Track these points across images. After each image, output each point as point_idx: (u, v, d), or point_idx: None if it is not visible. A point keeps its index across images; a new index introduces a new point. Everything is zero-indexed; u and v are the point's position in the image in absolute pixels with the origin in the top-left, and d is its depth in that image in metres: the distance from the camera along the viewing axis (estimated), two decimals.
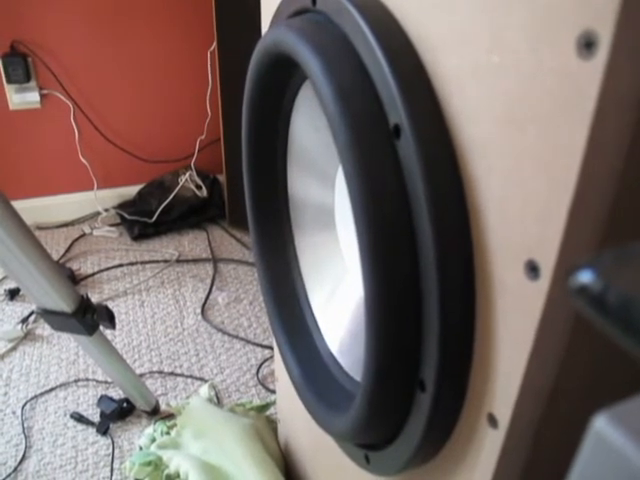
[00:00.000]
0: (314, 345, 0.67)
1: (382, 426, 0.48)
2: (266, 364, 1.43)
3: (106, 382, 1.35)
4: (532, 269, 0.33)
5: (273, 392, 1.34)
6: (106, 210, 1.97)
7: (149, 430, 1.18)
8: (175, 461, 1.05)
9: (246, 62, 1.83)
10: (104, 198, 1.98)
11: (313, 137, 0.69)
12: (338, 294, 0.69)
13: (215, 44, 1.68)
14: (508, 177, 0.35)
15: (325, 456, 0.86)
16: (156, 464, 1.05)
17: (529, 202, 0.33)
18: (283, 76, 0.63)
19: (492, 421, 0.40)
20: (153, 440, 1.14)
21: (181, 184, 1.94)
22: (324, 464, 0.89)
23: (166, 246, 1.86)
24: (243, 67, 1.73)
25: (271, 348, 1.47)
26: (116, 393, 1.31)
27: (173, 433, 1.14)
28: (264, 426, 1.15)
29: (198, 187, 1.97)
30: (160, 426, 1.17)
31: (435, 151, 0.38)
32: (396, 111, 0.39)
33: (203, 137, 1.97)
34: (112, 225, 1.94)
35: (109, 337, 1.48)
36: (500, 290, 0.37)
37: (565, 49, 0.29)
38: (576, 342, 0.35)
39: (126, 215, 1.91)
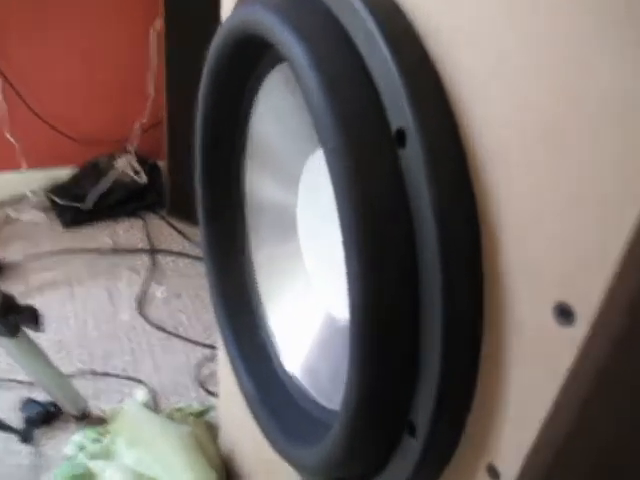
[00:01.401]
0: (271, 364, 0.61)
1: (357, 467, 0.42)
2: (206, 365, 1.35)
3: (30, 383, 1.24)
4: (563, 313, 0.28)
5: (213, 395, 1.27)
6: (34, 193, 1.83)
7: (78, 437, 1.08)
8: (106, 473, 0.97)
9: (196, 40, 1.73)
10: (32, 180, 1.84)
11: (277, 133, 0.62)
12: (299, 310, 0.63)
13: (161, 19, 1.58)
14: (537, 204, 0.29)
15: (276, 470, 0.80)
16: (85, 477, 0.97)
17: (565, 237, 0.28)
18: (249, 62, 0.56)
19: (492, 473, 0.35)
20: (82, 448, 1.05)
21: (118, 169, 1.83)
22: (271, 472, 0.83)
23: (100, 234, 1.75)
24: (192, 45, 1.63)
25: (212, 347, 1.39)
26: (41, 395, 1.21)
27: (105, 441, 1.06)
28: (203, 433, 1.08)
29: (136, 172, 1.86)
30: (90, 433, 1.09)
31: (447, 164, 0.32)
32: (401, 113, 0.33)
33: (144, 120, 1.86)
34: (41, 209, 1.80)
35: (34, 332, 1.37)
36: (516, 331, 0.32)
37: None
38: (602, 395, 0.30)
39: (57, 199, 1.78)
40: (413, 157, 0.33)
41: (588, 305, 0.27)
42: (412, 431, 0.37)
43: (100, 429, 1.09)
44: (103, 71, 1.82)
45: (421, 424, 0.36)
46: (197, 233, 1.76)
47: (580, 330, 0.28)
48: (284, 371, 0.60)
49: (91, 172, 1.84)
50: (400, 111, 0.33)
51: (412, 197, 0.33)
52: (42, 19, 1.69)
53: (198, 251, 1.72)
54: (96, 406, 1.21)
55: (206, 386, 1.29)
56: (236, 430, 0.97)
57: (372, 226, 0.33)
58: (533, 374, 0.31)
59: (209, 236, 0.71)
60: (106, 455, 1.03)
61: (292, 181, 0.63)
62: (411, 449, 0.37)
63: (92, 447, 1.04)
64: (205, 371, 1.34)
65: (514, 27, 0.29)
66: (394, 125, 0.34)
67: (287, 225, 0.67)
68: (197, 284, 1.61)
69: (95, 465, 0.99)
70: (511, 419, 0.33)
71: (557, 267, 0.29)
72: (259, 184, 0.68)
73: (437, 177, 0.32)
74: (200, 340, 1.41)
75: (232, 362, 0.64)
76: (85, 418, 1.17)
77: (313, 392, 0.56)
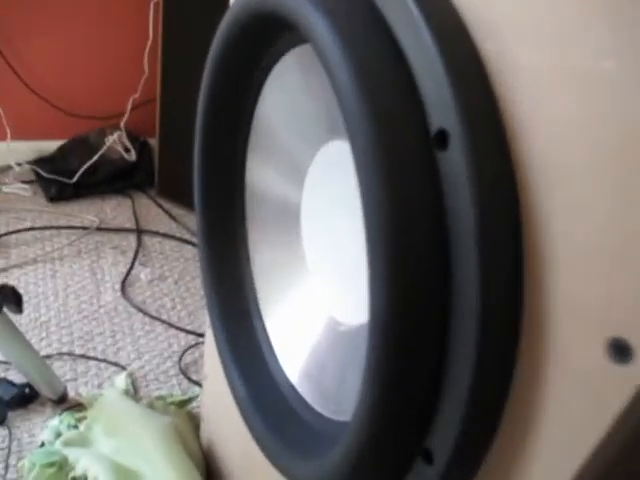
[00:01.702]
0: (267, 369, 0.58)
1: None
2: (190, 351, 1.32)
3: (5, 363, 1.20)
4: (619, 350, 0.25)
5: (196, 383, 1.23)
6: (19, 165, 1.78)
7: (54, 422, 1.05)
8: (83, 462, 0.93)
9: (195, 17, 1.69)
10: (18, 151, 1.79)
11: (285, 122, 0.59)
12: (299, 313, 0.59)
13: None
14: (597, 227, 0.26)
15: (261, 467, 0.77)
16: (60, 465, 0.93)
17: (628, 267, 0.25)
18: (262, 44, 0.52)
19: None
20: (58, 434, 1.01)
21: (108, 144, 1.78)
22: (258, 475, 0.80)
23: (86, 211, 1.70)
24: (190, 22, 1.60)
25: (196, 334, 1.36)
26: (17, 376, 1.17)
27: (82, 427, 1.02)
28: (185, 424, 1.05)
29: (126, 150, 1.81)
30: (67, 418, 1.05)
31: (493, 172, 0.29)
32: (444, 112, 0.30)
33: (137, 96, 1.81)
34: (25, 182, 1.75)
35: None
36: (559, 363, 0.29)
37: None
38: None
39: (42, 172, 1.73)
40: (456, 161, 0.29)
41: None
42: (428, 458, 0.34)
43: (77, 415, 1.05)
44: (99, 44, 1.77)
45: (439, 452, 0.33)
46: (186, 215, 1.75)
47: (637, 368, 0.25)
48: (282, 378, 0.57)
49: (79, 146, 1.79)
50: (444, 110, 0.30)
51: (450, 206, 0.30)
52: None
53: (186, 233, 1.68)
54: (74, 389, 1.17)
55: (188, 374, 1.26)
56: (219, 423, 0.94)
57: (402, 230, 0.30)
58: (576, 412, 0.28)
59: (205, 228, 0.68)
60: (83, 443, 0.99)
61: (298, 174, 0.60)
62: (425, 476, 0.34)
63: (68, 434, 1.01)
64: (188, 358, 1.30)
65: (586, 23, 0.26)
66: (435, 125, 0.31)
67: (289, 221, 0.63)
68: (183, 268, 1.57)
69: (70, 452, 0.96)
70: (542, 455, 0.31)
71: (614, 299, 0.26)
72: (262, 175, 0.65)
73: (481, 188, 0.29)
74: (183, 326, 1.38)
75: (225, 367, 0.61)
76: (62, 402, 1.13)
77: (313, 401, 0.53)
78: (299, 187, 0.60)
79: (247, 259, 0.66)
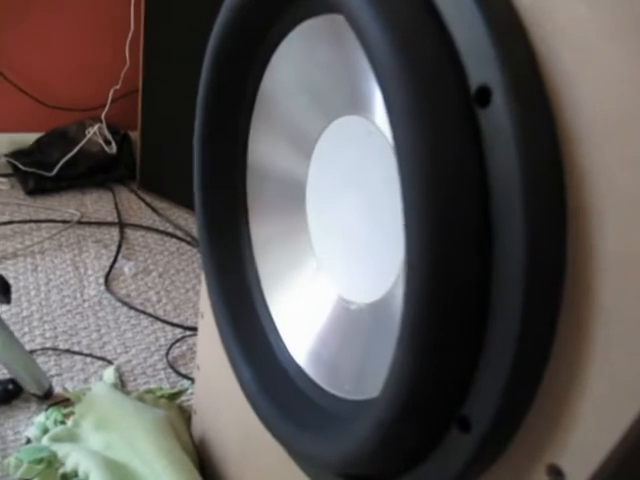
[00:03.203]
0: (272, 352, 0.57)
1: (390, 463, 0.38)
2: (177, 345, 1.30)
3: None
4: None
5: (185, 377, 1.21)
6: None
7: (40, 418, 1.02)
8: (73, 457, 0.90)
9: (177, 7, 1.66)
10: None
11: (294, 98, 0.57)
12: (305, 294, 0.58)
13: None
14: None
15: (261, 450, 0.75)
16: (49, 461, 0.90)
17: None
18: (273, 13, 0.51)
19: (555, 474, 0.32)
20: (45, 431, 0.98)
21: (88, 137, 1.74)
22: (257, 467, 0.79)
23: (66, 204, 1.66)
24: (172, 13, 1.57)
25: (183, 327, 1.34)
26: (0, 372, 1.13)
27: (69, 423, 0.99)
28: (177, 417, 1.03)
29: (107, 142, 1.77)
30: (54, 413, 1.02)
31: (538, 126, 0.28)
32: (485, 67, 0.29)
33: (118, 87, 1.77)
34: (2, 175, 1.70)
35: None
36: (603, 321, 0.28)
37: None
38: None
39: (20, 165, 1.68)
40: (497, 118, 0.28)
41: None
42: (465, 427, 0.33)
43: (64, 410, 1.02)
44: (79, 34, 1.73)
45: (477, 419, 0.32)
46: (168, 208, 1.73)
47: None
48: (289, 361, 0.56)
49: (59, 139, 1.75)
50: (485, 66, 0.29)
51: (493, 167, 0.29)
52: None
53: (169, 226, 1.66)
54: (60, 384, 1.14)
55: (176, 367, 1.24)
56: (214, 413, 0.92)
57: (443, 191, 0.29)
58: (618, 371, 0.27)
59: (205, 211, 0.66)
60: (71, 438, 0.97)
61: (305, 151, 0.58)
62: (461, 446, 0.33)
63: (56, 430, 0.98)
64: (175, 351, 1.28)
65: None
66: (475, 81, 0.30)
67: (293, 199, 0.62)
68: (167, 261, 1.54)
69: (59, 448, 0.93)
70: (583, 418, 0.30)
71: None
72: (265, 153, 0.63)
73: (527, 143, 0.28)
74: (169, 319, 1.35)
75: (229, 354, 0.59)
76: (48, 397, 1.10)
77: (324, 382, 0.52)
78: (305, 164, 0.59)
79: (248, 240, 0.64)
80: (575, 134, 0.28)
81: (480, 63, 0.29)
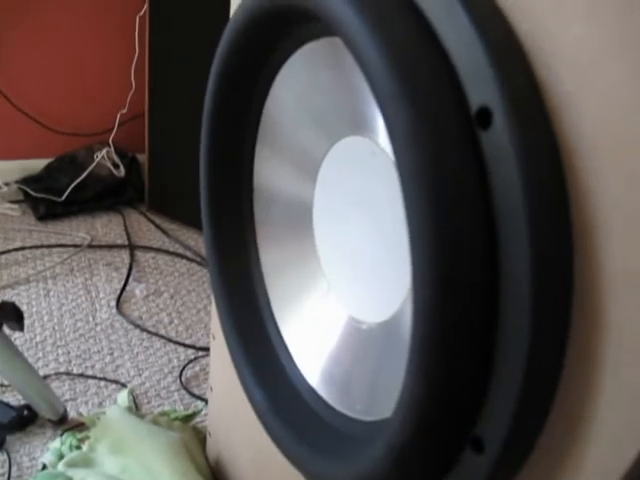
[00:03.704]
0: (284, 372, 0.57)
1: None
2: (190, 366, 1.30)
3: (2, 385, 1.17)
4: None
5: (199, 398, 1.21)
6: (7, 184, 1.75)
7: (56, 444, 1.02)
8: None
9: (181, 30, 1.68)
10: (5, 170, 1.76)
11: (297, 120, 0.58)
12: (315, 315, 0.58)
13: (146, 8, 1.52)
14: None
15: (275, 471, 0.75)
16: None
17: None
18: (274, 38, 0.51)
19: None
20: (61, 456, 0.98)
21: (96, 161, 1.76)
22: (273, 478, 0.78)
23: (76, 229, 1.68)
24: (177, 36, 1.59)
25: (195, 348, 1.34)
26: (14, 398, 1.14)
27: (85, 447, 0.99)
28: (191, 440, 1.02)
29: (115, 166, 1.79)
30: (69, 439, 1.02)
31: (540, 146, 0.28)
32: (485, 89, 0.29)
33: (124, 111, 1.79)
34: (13, 202, 1.72)
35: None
36: (614, 339, 0.28)
37: None
38: None
39: (31, 191, 1.70)
40: (498, 139, 0.29)
41: None
42: (478, 447, 0.33)
43: (79, 435, 1.02)
44: (85, 60, 1.75)
45: (490, 439, 0.32)
46: (178, 229, 1.74)
47: None
48: (301, 381, 0.56)
49: (68, 164, 1.77)
50: (484, 86, 0.29)
51: (496, 188, 0.29)
52: (23, 3, 1.62)
53: (179, 248, 1.67)
54: (74, 409, 1.14)
55: (190, 388, 1.24)
56: (228, 434, 0.92)
57: (447, 215, 0.29)
58: (633, 391, 0.27)
59: (213, 234, 0.66)
60: (86, 463, 0.97)
61: (310, 172, 0.59)
62: (475, 467, 0.33)
63: (71, 455, 0.98)
64: (188, 373, 1.28)
65: None
66: (475, 103, 0.30)
67: (300, 221, 0.62)
68: (178, 282, 1.55)
69: (75, 474, 0.93)
70: (597, 438, 0.30)
71: None
72: (271, 175, 0.64)
73: (529, 165, 0.28)
74: (181, 340, 1.36)
75: (240, 375, 0.59)
76: (63, 422, 1.10)
77: (336, 403, 0.52)
78: (310, 186, 0.59)
79: (257, 262, 0.65)
80: (577, 153, 0.28)
81: (480, 84, 0.29)
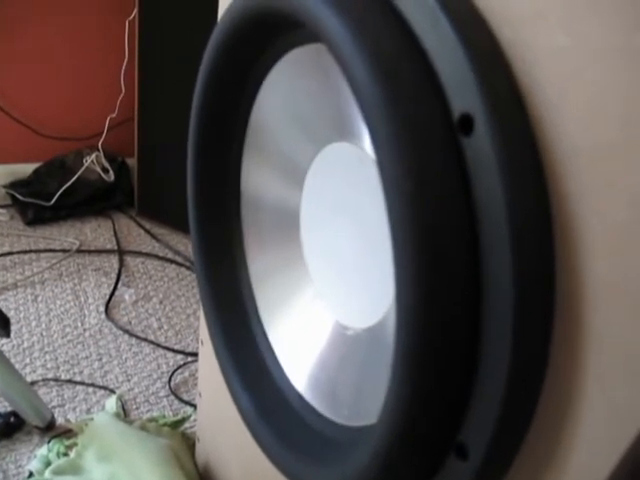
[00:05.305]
0: (271, 378, 0.57)
1: None
2: (179, 371, 1.29)
3: None
4: None
5: (188, 404, 1.21)
6: None
7: (43, 451, 1.01)
8: None
9: (170, 34, 1.68)
10: None
11: (283, 126, 0.58)
12: (302, 321, 0.58)
13: (136, 12, 1.51)
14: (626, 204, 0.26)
15: (264, 477, 0.75)
16: None
17: None
18: (260, 44, 0.51)
19: None
20: (48, 464, 0.97)
21: (85, 165, 1.75)
22: None
23: (65, 234, 1.67)
24: (166, 40, 1.59)
25: (185, 354, 1.33)
26: (0, 405, 1.13)
27: (72, 454, 0.98)
28: (180, 446, 1.02)
29: (105, 170, 1.78)
30: (56, 445, 1.01)
31: (521, 153, 0.28)
32: (467, 95, 0.29)
33: (114, 115, 1.79)
34: (2, 206, 1.71)
35: None
36: (596, 346, 0.28)
37: None
38: None
39: (19, 196, 1.69)
40: (480, 147, 0.29)
41: None
42: (463, 453, 0.33)
43: (67, 442, 1.01)
44: (74, 64, 1.74)
45: (474, 446, 0.32)
46: (167, 234, 1.73)
47: None
48: (288, 387, 0.55)
49: (56, 168, 1.76)
50: (467, 94, 0.29)
51: (478, 195, 0.29)
52: (11, 8, 1.61)
53: (168, 252, 1.66)
54: (62, 415, 1.13)
55: (179, 394, 1.23)
56: (217, 440, 0.91)
57: (429, 222, 0.29)
58: (614, 395, 0.27)
59: (200, 239, 0.66)
60: (74, 470, 0.96)
61: (296, 179, 0.59)
62: (459, 473, 0.33)
63: (58, 462, 0.97)
64: (177, 378, 1.28)
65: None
66: (457, 110, 0.30)
67: (287, 227, 0.62)
68: (167, 287, 1.54)
69: None
70: (580, 443, 0.30)
71: None
72: (258, 182, 0.64)
73: (510, 171, 0.28)
74: (171, 346, 1.35)
75: (227, 379, 0.59)
76: (50, 429, 1.09)
77: (322, 408, 0.52)
78: (297, 192, 0.59)
79: (245, 267, 0.65)
80: (559, 161, 0.29)
81: (461, 91, 0.30)
